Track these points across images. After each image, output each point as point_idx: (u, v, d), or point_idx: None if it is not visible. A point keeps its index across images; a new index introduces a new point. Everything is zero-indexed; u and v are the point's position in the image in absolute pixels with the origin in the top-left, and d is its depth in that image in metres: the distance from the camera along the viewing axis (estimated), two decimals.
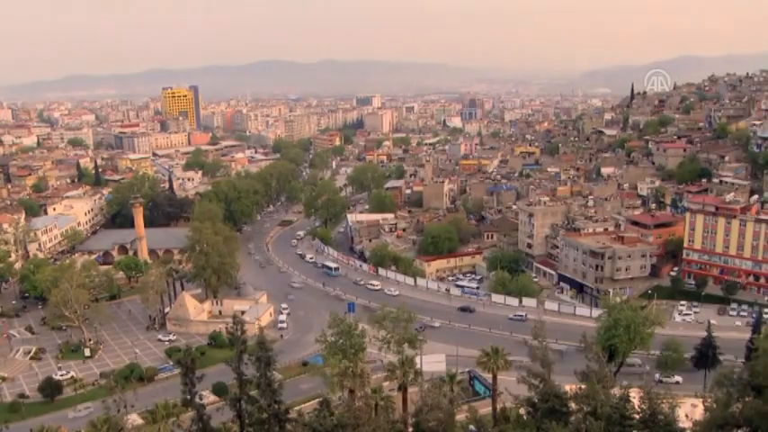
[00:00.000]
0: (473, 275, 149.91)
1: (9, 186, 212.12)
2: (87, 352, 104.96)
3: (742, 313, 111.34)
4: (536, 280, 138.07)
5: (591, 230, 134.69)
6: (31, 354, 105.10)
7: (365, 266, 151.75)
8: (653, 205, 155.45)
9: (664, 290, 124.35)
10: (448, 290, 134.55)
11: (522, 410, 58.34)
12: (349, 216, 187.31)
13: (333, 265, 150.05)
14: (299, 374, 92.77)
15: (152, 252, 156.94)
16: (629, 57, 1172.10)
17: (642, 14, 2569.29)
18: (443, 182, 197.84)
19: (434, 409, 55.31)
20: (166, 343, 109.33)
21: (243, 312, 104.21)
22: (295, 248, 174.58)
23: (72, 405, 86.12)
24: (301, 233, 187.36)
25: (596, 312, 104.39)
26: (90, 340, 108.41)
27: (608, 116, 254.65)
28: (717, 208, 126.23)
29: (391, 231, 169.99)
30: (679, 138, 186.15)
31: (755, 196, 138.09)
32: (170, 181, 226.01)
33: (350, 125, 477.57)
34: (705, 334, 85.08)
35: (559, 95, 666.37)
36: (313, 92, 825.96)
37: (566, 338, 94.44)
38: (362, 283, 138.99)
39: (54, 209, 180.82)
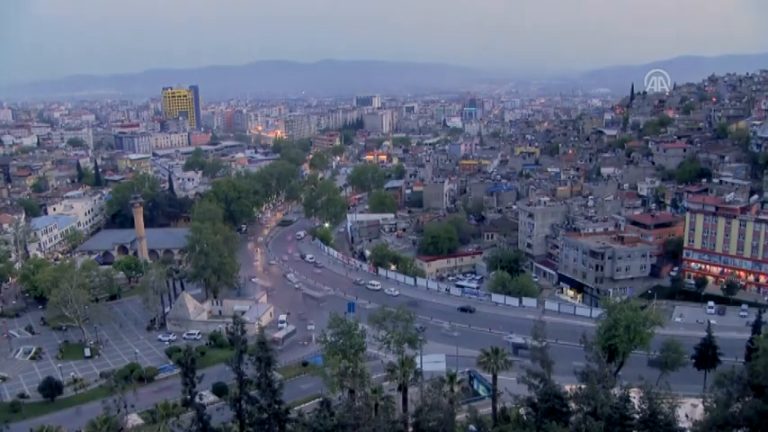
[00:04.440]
0: (473, 275, 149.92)
1: (9, 186, 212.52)
2: (87, 352, 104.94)
3: (742, 313, 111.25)
4: (536, 280, 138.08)
5: (591, 230, 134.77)
6: (31, 354, 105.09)
7: (365, 266, 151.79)
8: (653, 205, 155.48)
9: (664, 290, 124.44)
10: (448, 290, 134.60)
11: (522, 410, 58.32)
12: (349, 216, 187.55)
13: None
14: (299, 374, 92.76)
15: (152, 252, 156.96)
16: (629, 57, 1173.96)
17: (642, 14, 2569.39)
18: (443, 182, 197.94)
19: (434, 409, 55.28)
20: (166, 343, 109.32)
21: (243, 312, 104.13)
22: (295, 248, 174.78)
23: (73, 405, 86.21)
24: (302, 233, 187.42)
25: (596, 312, 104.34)
26: (90, 340, 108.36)
27: (608, 116, 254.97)
28: (717, 208, 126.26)
29: (391, 231, 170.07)
30: (679, 138, 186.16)
31: (755, 196, 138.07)
32: (170, 181, 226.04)
33: (350, 125, 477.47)
34: (705, 334, 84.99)
35: (559, 95, 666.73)
36: (313, 92, 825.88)
37: (566, 338, 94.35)
38: (362, 283, 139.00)
39: (54, 209, 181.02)
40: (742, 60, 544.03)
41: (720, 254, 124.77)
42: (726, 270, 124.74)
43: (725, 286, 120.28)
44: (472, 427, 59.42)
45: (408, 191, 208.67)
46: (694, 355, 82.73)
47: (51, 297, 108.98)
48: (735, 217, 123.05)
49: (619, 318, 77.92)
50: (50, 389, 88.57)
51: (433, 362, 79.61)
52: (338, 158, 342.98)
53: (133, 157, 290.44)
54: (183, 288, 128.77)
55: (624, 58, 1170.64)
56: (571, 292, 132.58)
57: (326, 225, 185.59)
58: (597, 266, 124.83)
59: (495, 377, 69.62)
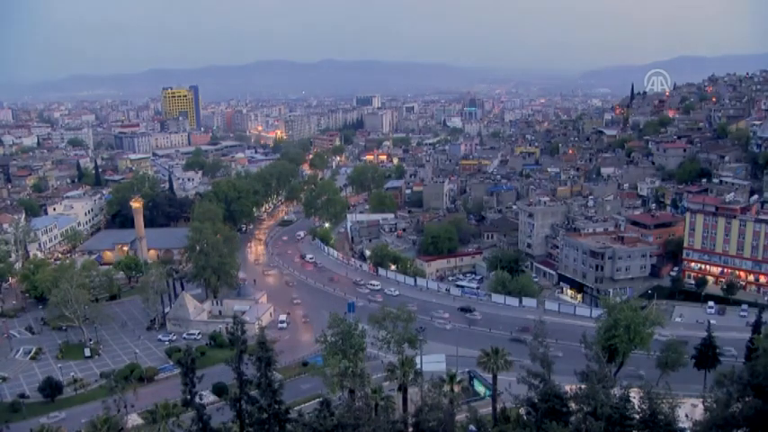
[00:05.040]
0: (473, 275, 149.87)
1: (9, 186, 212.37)
2: (87, 352, 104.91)
3: (742, 313, 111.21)
4: (536, 280, 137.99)
5: (591, 230, 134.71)
6: (31, 354, 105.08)
7: (365, 266, 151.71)
8: (653, 205, 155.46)
9: (664, 290, 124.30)
10: (448, 290, 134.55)
11: (522, 410, 58.31)
12: (349, 216, 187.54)
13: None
14: (299, 374, 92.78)
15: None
16: (629, 57, 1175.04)
17: (642, 14, 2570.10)
18: (443, 182, 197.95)
19: (434, 409, 55.26)
20: (166, 343, 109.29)
21: (243, 312, 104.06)
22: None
23: (72, 405, 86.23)
24: (302, 233, 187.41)
25: (596, 312, 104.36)
26: (90, 340, 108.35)
27: (608, 116, 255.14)
28: (717, 208, 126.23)
29: (391, 231, 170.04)
30: (679, 138, 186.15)
31: (755, 196, 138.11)
32: (170, 181, 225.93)
33: (350, 125, 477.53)
34: (705, 334, 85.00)
35: (559, 95, 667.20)
36: (313, 92, 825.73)
37: (566, 338, 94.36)
38: (362, 283, 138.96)
39: (54, 209, 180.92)
40: (742, 60, 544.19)
41: (720, 254, 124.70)
42: (726, 270, 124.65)
43: (725, 286, 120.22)
44: (472, 427, 59.38)
45: (408, 191, 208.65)
46: (694, 355, 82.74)
47: (51, 297, 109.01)
48: (735, 217, 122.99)
49: (619, 318, 77.94)
50: (50, 389, 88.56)
51: (433, 362, 79.57)
52: (338, 158, 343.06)
53: (133, 157, 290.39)
54: (183, 288, 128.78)
55: (624, 58, 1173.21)
56: (571, 292, 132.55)
57: (326, 225, 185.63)
58: (597, 266, 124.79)
59: (495, 377, 69.63)
